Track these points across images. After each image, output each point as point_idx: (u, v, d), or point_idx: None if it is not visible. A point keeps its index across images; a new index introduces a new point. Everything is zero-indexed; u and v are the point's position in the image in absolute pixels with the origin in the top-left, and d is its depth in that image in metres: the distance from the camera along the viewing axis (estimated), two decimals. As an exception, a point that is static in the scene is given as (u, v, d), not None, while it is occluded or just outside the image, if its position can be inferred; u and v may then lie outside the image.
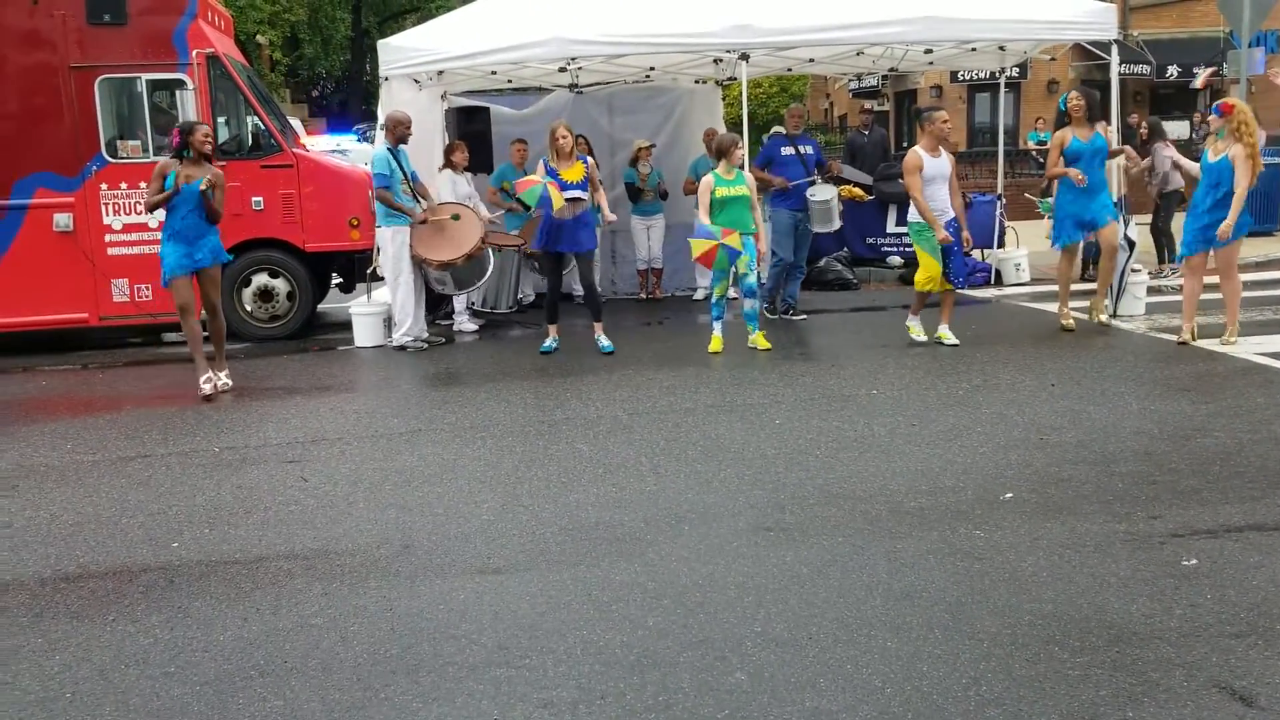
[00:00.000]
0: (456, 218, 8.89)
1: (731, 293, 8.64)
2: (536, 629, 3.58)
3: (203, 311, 7.63)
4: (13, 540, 4.72)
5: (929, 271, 8.16)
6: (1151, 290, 9.78)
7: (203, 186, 7.20)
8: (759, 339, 8.35)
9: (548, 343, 8.62)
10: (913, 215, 8.21)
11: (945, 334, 8.30)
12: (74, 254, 9.53)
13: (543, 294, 11.39)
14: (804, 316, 9.86)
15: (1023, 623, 3.47)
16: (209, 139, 7.45)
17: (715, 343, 8.33)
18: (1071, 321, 8.61)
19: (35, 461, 6.08)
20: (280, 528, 4.72)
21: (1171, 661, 3.19)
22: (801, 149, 9.72)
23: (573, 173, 8.24)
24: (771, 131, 10.72)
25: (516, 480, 5.25)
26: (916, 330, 8.40)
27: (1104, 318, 8.85)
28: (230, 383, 7.75)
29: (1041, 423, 5.91)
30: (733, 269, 8.26)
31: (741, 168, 8.36)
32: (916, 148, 8.24)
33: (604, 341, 8.54)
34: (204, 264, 7.42)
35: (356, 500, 5.07)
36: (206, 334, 7.71)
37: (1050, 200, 11.13)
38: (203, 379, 7.55)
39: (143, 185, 9.35)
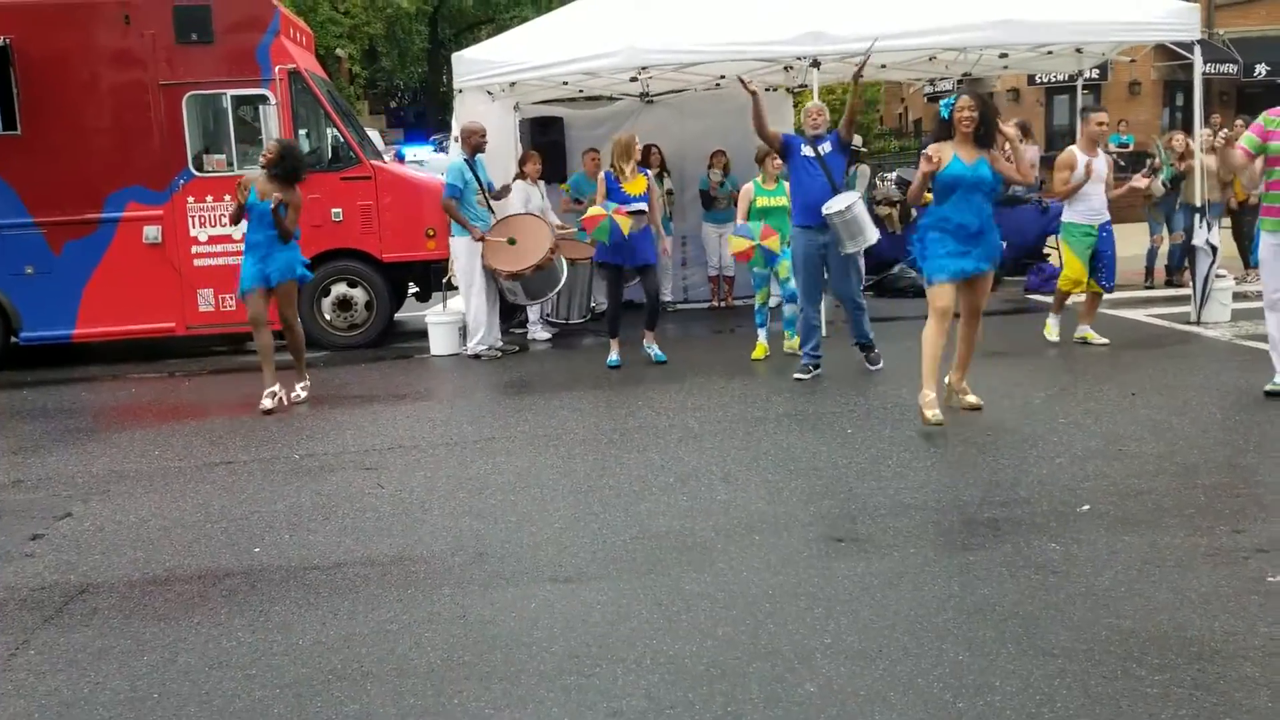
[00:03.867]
0: (513, 241, 8.96)
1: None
2: (607, 638, 3.61)
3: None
4: (104, 544, 4.90)
5: (1073, 273, 8.32)
6: (1237, 296, 9.52)
7: (272, 205, 7.32)
8: (795, 344, 8.29)
9: (612, 357, 8.48)
10: (1065, 215, 8.34)
11: (1090, 334, 8.35)
12: (162, 265, 9.84)
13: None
14: (880, 367, 7.80)
15: (1100, 638, 3.41)
16: (267, 152, 7.54)
17: (759, 350, 8.39)
18: (939, 413, 6.01)
19: (125, 467, 6.29)
20: (358, 534, 4.83)
21: (1255, 681, 3.11)
22: (820, 150, 7.53)
23: (635, 186, 8.28)
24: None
25: (589, 489, 5.30)
26: (1052, 330, 8.47)
27: (971, 399, 6.42)
28: (303, 393, 7.82)
29: (1120, 433, 5.79)
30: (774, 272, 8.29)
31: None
32: (1073, 147, 8.35)
33: (654, 350, 8.49)
34: (273, 280, 7.51)
35: (432, 507, 5.16)
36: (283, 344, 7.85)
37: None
38: (266, 392, 7.60)
39: (227, 198, 9.67)
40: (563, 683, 3.31)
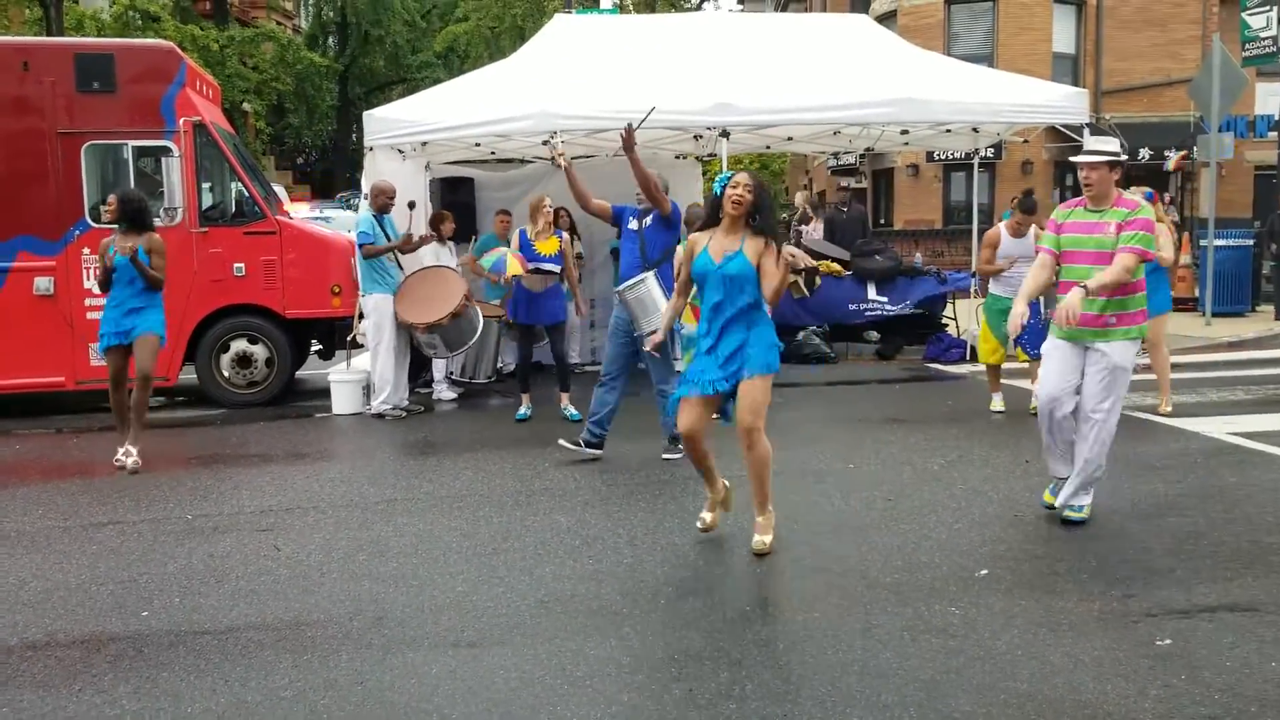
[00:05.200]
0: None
1: None
2: (509, 705, 3.54)
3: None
4: (-21, 607, 4.66)
5: (986, 345, 8.67)
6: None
7: (130, 255, 7.12)
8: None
9: (522, 410, 8.75)
10: (990, 287, 8.65)
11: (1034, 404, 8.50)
12: (53, 317, 9.51)
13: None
14: (674, 459, 7.02)
15: (998, 702, 3.46)
16: (108, 207, 7.44)
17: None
18: (706, 518, 5.39)
19: (6, 527, 6.01)
20: (251, 598, 4.67)
21: (1145, 743, 3.19)
22: (644, 223, 7.14)
23: (547, 246, 8.47)
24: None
25: (493, 552, 5.23)
26: (996, 403, 8.66)
27: (756, 541, 5.07)
28: (139, 462, 7.29)
29: (1016, 499, 5.94)
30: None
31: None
32: (1001, 225, 8.67)
33: (570, 410, 8.65)
34: (133, 335, 7.26)
35: (330, 570, 5.02)
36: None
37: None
38: (121, 450, 7.39)
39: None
40: (464, 751, 3.24)
